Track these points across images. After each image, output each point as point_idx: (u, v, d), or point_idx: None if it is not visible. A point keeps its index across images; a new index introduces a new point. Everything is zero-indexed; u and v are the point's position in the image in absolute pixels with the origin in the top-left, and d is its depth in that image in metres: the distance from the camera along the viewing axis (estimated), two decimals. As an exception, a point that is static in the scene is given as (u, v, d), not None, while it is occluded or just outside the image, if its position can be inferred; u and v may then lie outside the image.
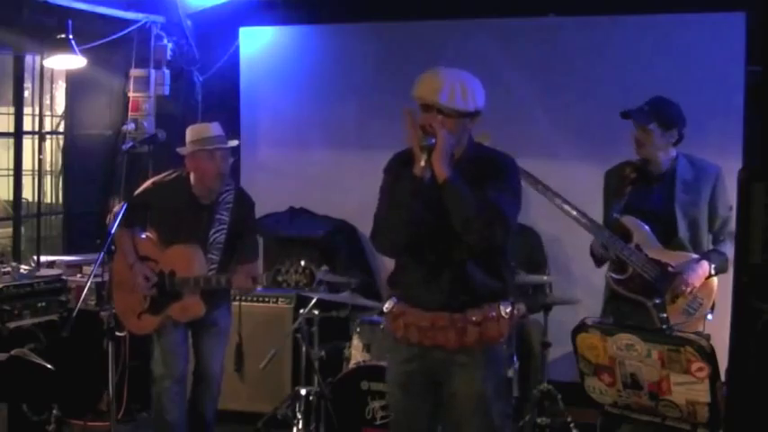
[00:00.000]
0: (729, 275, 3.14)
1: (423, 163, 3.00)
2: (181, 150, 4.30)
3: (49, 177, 6.55)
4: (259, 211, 4.74)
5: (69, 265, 5.54)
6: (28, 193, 6.28)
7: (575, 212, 3.99)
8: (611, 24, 5.45)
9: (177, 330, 4.29)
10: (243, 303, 5.09)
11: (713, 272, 3.91)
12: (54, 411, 4.18)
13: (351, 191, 5.82)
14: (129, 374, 5.19)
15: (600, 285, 4.25)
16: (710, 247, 4.03)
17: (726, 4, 5.10)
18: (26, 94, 6.22)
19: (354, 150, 5.99)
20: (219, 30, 6.20)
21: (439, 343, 3.13)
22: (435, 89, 3.02)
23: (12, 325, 4.75)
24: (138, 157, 5.79)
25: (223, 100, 6.15)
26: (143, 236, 4.41)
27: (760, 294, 2.48)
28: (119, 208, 4.13)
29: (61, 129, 6.48)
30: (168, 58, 6.16)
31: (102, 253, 3.98)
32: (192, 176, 4.29)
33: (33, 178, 6.27)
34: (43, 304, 4.96)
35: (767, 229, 2.47)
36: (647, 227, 3.97)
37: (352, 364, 4.70)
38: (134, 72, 6.12)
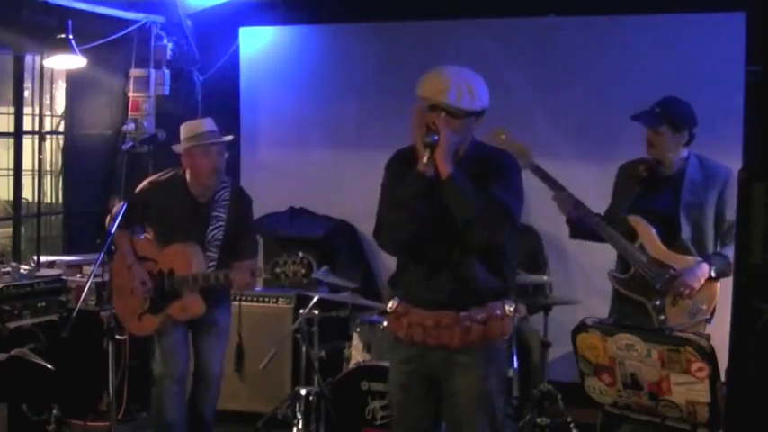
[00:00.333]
0: (729, 277, 3.15)
1: (426, 160, 3.02)
2: (176, 148, 4.30)
3: (49, 177, 6.55)
4: (259, 211, 4.75)
5: (69, 265, 5.55)
6: (28, 193, 6.28)
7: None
8: (611, 24, 5.45)
9: (177, 330, 4.29)
10: (243, 303, 5.10)
11: (713, 274, 3.89)
12: (54, 411, 4.18)
13: (351, 191, 5.82)
14: (129, 374, 5.19)
15: (601, 285, 4.25)
16: (717, 250, 4.01)
17: (726, 4, 5.10)
18: (26, 94, 6.21)
19: (354, 150, 5.99)
20: (219, 30, 6.20)
21: (442, 342, 3.13)
22: (442, 89, 3.03)
23: (12, 325, 4.75)
24: (138, 157, 5.79)
25: (223, 100, 6.14)
26: (142, 236, 4.41)
27: (760, 294, 2.48)
28: (118, 208, 4.14)
29: (61, 129, 6.48)
30: (168, 58, 6.16)
31: (102, 253, 3.97)
32: (188, 174, 4.29)
33: (33, 178, 6.27)
34: (43, 304, 4.96)
35: (767, 228, 2.47)
36: (653, 227, 3.97)
37: (352, 364, 4.70)
38: (134, 72, 6.12)
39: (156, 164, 5.61)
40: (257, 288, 5.51)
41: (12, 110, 6.04)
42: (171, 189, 4.30)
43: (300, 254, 3.99)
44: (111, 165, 6.24)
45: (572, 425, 4.63)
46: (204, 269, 4.20)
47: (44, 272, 5.22)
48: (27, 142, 6.14)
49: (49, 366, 4.11)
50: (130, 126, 6.04)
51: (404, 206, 3.07)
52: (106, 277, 4.22)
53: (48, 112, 6.43)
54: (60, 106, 6.59)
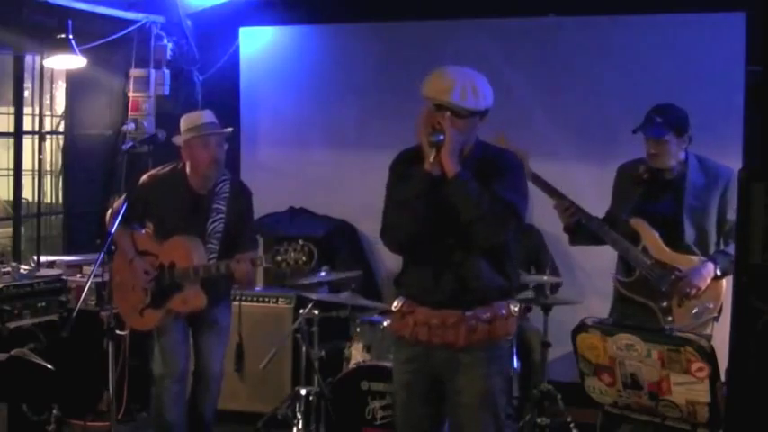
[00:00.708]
0: (730, 276, 3.14)
1: (432, 159, 3.03)
2: (175, 140, 4.31)
3: (49, 177, 6.55)
4: (259, 211, 4.74)
5: (69, 265, 5.54)
6: (28, 193, 6.27)
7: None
8: (611, 24, 5.45)
9: (177, 329, 4.28)
10: (243, 303, 5.10)
11: (718, 273, 3.90)
12: (54, 411, 4.17)
13: (351, 191, 5.83)
14: (129, 374, 5.19)
15: (601, 285, 4.26)
16: (720, 248, 4.01)
17: (726, 4, 5.10)
18: (26, 94, 6.21)
19: (354, 150, 5.99)
20: (219, 30, 6.21)
21: (447, 341, 3.14)
22: (447, 89, 3.05)
23: (12, 325, 4.75)
24: (138, 157, 5.78)
25: (223, 100, 6.14)
26: (142, 231, 4.41)
27: (760, 294, 2.48)
28: (118, 204, 4.14)
29: (61, 129, 6.48)
30: (168, 58, 6.16)
31: (102, 253, 3.97)
32: (187, 167, 4.29)
33: (33, 178, 6.26)
34: (43, 304, 4.95)
35: (767, 229, 2.47)
36: (655, 230, 3.97)
37: (352, 364, 4.70)
38: (134, 72, 6.12)
39: (157, 164, 5.56)
40: (257, 288, 5.52)
41: (12, 110, 6.04)
42: (170, 182, 4.31)
43: (301, 241, 3.97)
44: (111, 165, 6.24)
45: (572, 425, 4.64)
46: (205, 261, 4.19)
47: (44, 272, 5.21)
48: (27, 142, 6.14)
49: (49, 366, 4.10)
50: (130, 126, 6.04)
51: (405, 206, 3.09)
52: (106, 277, 4.21)
53: (48, 112, 6.43)
54: (60, 106, 6.59)
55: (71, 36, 5.05)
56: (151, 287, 4.26)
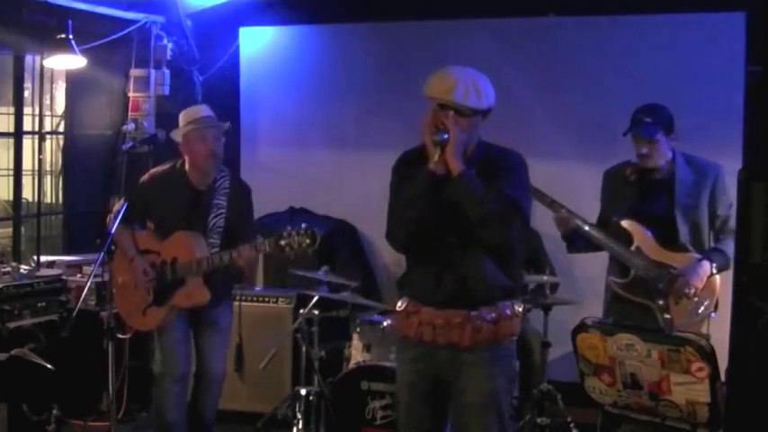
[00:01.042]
0: (730, 275, 3.14)
1: (437, 158, 3.04)
2: (174, 135, 4.32)
3: (49, 177, 6.55)
4: (259, 211, 4.74)
5: (69, 265, 5.54)
6: (28, 193, 6.27)
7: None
8: (611, 24, 5.46)
9: (178, 329, 4.28)
10: (243, 303, 5.10)
11: (714, 270, 3.93)
12: (54, 411, 4.17)
13: (351, 191, 5.83)
14: (129, 374, 5.19)
15: (601, 286, 4.26)
16: (712, 245, 4.03)
17: (726, 4, 5.10)
18: (26, 94, 6.21)
19: (354, 150, 5.99)
20: (219, 30, 6.21)
21: (452, 341, 3.14)
22: (450, 88, 3.06)
23: (12, 325, 4.75)
24: (138, 157, 5.79)
25: (223, 100, 6.13)
26: (143, 230, 4.41)
27: (760, 294, 2.49)
28: (119, 206, 4.14)
29: (61, 129, 6.48)
30: (168, 58, 6.16)
31: (102, 253, 3.97)
32: (186, 164, 4.30)
33: (33, 178, 6.26)
34: (43, 304, 4.95)
35: (767, 228, 2.47)
36: (648, 230, 3.98)
37: (352, 364, 4.70)
38: (134, 72, 6.12)
39: (157, 164, 5.57)
40: (257, 288, 5.52)
41: (12, 110, 6.04)
42: (170, 179, 4.32)
43: (304, 225, 3.96)
44: (111, 165, 6.24)
45: (572, 425, 4.64)
46: (207, 255, 4.19)
47: (44, 272, 5.21)
48: (27, 142, 6.14)
49: (49, 366, 4.10)
50: (130, 126, 6.04)
51: (410, 205, 3.09)
52: (106, 277, 4.21)
53: (48, 112, 6.43)
54: (60, 106, 6.59)
55: (71, 36, 5.06)
56: (153, 285, 4.26)
